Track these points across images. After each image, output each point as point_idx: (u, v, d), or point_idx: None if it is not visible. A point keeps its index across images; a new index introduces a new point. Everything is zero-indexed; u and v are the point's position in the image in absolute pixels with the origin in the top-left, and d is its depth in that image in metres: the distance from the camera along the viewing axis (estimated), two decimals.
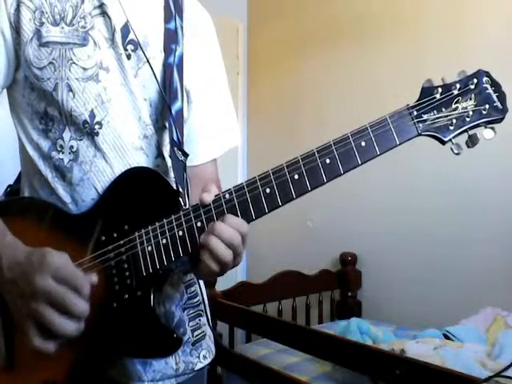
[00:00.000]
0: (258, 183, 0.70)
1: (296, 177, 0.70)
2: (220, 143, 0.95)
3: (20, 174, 0.90)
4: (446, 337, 1.72)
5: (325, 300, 2.46)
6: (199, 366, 0.89)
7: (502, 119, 0.72)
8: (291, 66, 2.84)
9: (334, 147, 0.70)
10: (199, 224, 0.71)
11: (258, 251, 2.94)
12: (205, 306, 0.93)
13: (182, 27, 0.87)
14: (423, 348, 1.52)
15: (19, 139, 0.84)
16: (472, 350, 1.52)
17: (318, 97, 2.69)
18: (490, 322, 1.80)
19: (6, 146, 1.69)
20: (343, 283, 2.44)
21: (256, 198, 0.70)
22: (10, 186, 0.93)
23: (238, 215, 0.70)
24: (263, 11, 3.06)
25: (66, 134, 0.79)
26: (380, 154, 0.70)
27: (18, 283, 0.66)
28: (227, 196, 0.71)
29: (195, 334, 0.89)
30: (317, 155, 0.70)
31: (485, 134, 0.71)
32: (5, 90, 0.84)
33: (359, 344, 1.50)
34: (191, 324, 0.88)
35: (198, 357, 0.89)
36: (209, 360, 0.91)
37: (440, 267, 2.12)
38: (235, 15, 3.03)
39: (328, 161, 0.70)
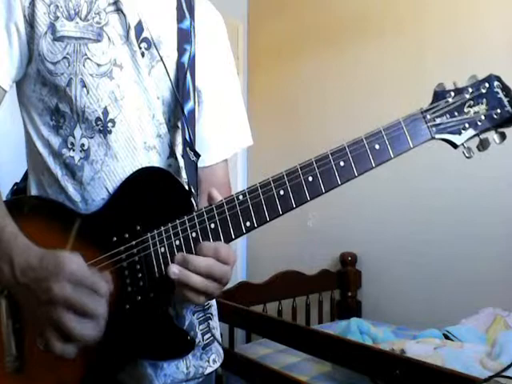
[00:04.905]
0: (272, 185, 0.70)
1: (310, 179, 0.70)
2: (231, 143, 0.95)
3: (26, 171, 0.88)
4: (446, 337, 1.72)
5: (325, 300, 2.46)
6: (209, 370, 0.87)
7: None
8: (291, 65, 2.83)
9: (347, 150, 0.70)
10: (213, 225, 0.70)
11: (257, 251, 2.94)
12: (214, 309, 0.92)
13: (194, 27, 0.87)
14: (423, 348, 1.52)
15: (27, 134, 0.83)
16: (472, 349, 1.52)
17: (319, 96, 2.69)
18: (490, 321, 1.80)
19: (7, 145, 1.68)
20: (343, 283, 2.44)
21: (270, 200, 0.70)
22: (16, 184, 0.90)
23: (251, 216, 0.70)
24: (263, 11, 3.05)
25: (77, 132, 0.78)
26: (394, 157, 0.70)
27: (32, 289, 0.64)
28: (241, 197, 0.70)
29: (205, 337, 0.88)
30: (331, 157, 0.70)
31: (496, 138, 0.72)
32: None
33: (359, 344, 1.49)
34: (201, 327, 0.87)
35: (208, 361, 0.87)
36: (218, 364, 0.90)
37: (440, 267, 2.12)
38: (235, 15, 3.02)
39: (342, 163, 0.70)
